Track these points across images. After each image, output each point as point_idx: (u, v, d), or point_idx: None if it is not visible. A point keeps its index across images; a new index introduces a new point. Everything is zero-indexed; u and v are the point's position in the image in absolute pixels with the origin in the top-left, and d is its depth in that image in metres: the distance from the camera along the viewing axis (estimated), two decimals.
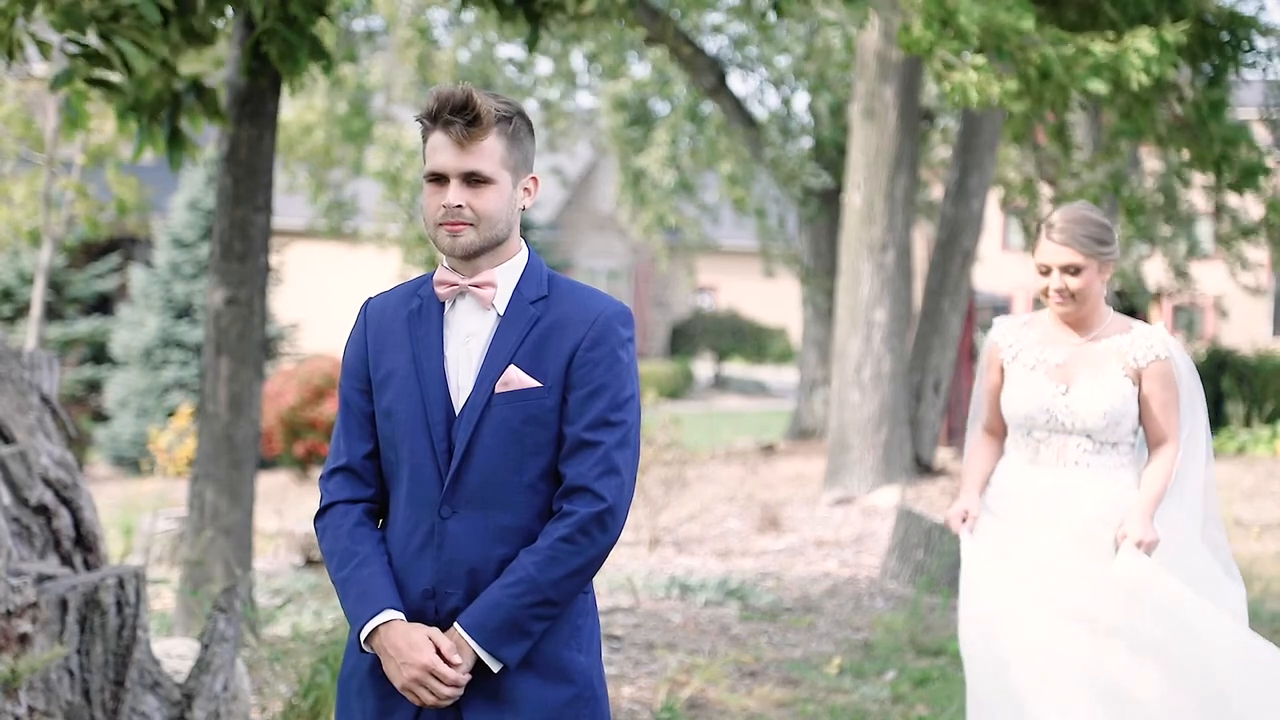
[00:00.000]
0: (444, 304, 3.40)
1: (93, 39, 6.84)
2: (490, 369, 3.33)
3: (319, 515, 3.44)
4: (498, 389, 3.31)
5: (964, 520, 5.07)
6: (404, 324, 3.40)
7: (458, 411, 3.33)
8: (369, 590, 3.30)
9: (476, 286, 3.36)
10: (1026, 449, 5.02)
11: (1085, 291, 4.88)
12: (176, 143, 7.72)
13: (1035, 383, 4.96)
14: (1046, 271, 4.89)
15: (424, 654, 3.24)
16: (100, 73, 7.09)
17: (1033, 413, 4.95)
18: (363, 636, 3.30)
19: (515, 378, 3.31)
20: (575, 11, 7.42)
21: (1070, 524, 4.92)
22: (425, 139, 3.36)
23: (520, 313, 3.36)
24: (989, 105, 10.09)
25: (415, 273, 22.69)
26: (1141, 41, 9.80)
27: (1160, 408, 4.92)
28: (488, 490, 3.31)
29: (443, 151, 3.31)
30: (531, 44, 7.94)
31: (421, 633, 3.27)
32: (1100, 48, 9.77)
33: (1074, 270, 4.85)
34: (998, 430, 5.21)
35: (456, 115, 3.29)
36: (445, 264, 3.42)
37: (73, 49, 7.00)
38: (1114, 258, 4.90)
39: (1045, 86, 9.90)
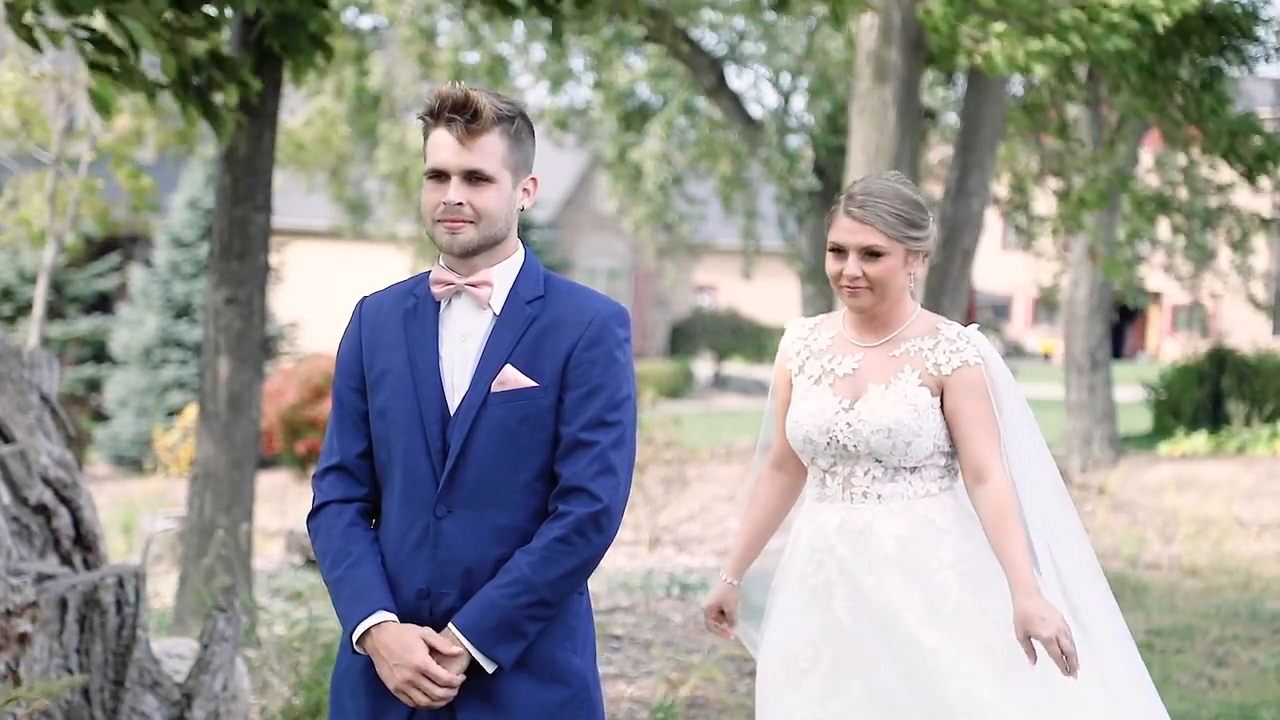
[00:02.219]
0: (439, 303, 3.39)
1: (99, 23, 6.81)
2: (486, 368, 3.32)
3: (312, 514, 3.42)
4: (494, 388, 3.30)
5: (717, 621, 4.10)
6: (399, 323, 3.39)
7: (453, 411, 3.31)
8: (361, 591, 3.29)
9: (473, 285, 3.35)
10: (814, 482, 4.00)
11: (885, 283, 3.87)
12: (213, 115, 7.68)
13: (819, 398, 3.95)
14: (840, 253, 3.90)
15: (416, 655, 3.23)
16: (105, 58, 7.04)
17: (812, 435, 3.93)
18: (355, 637, 3.29)
19: (511, 377, 3.30)
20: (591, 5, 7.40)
21: (862, 618, 3.85)
22: (426, 137, 3.36)
23: (517, 312, 3.35)
24: (1020, 69, 10.08)
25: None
26: None
27: (973, 425, 3.87)
28: (483, 490, 3.30)
29: (443, 149, 3.31)
30: (556, 35, 7.94)
31: (414, 633, 3.26)
32: (1117, 1, 9.73)
33: (873, 254, 3.86)
34: (789, 463, 4.14)
35: (457, 113, 3.29)
36: (442, 263, 3.41)
37: (80, 33, 6.97)
38: (926, 246, 3.92)
39: (1067, 46, 9.85)
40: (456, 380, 3.34)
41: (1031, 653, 3.67)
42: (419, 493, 3.32)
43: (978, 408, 3.88)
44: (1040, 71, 10.13)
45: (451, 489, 3.30)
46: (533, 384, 3.30)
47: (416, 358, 3.35)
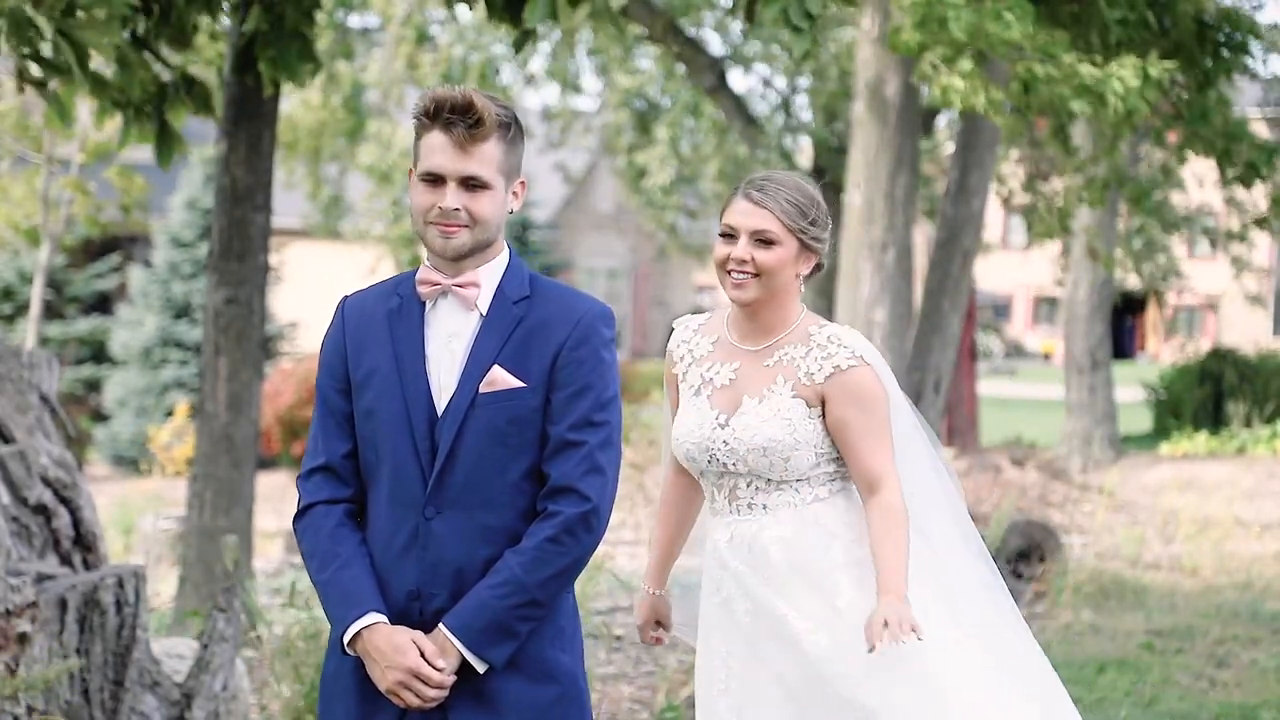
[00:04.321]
0: (424, 303, 3.38)
1: (44, 45, 6.68)
2: (474, 369, 3.32)
3: (299, 516, 3.41)
4: (482, 389, 3.31)
5: (656, 639, 4.04)
6: (384, 323, 3.38)
7: (440, 412, 3.32)
8: (351, 592, 3.29)
9: (460, 287, 3.35)
10: (706, 496, 3.86)
11: (774, 273, 3.68)
12: (165, 139, 7.69)
13: (697, 411, 3.77)
14: (731, 236, 3.71)
15: (408, 657, 3.24)
16: (48, 75, 6.96)
17: (694, 453, 3.77)
18: (346, 639, 3.29)
19: (500, 378, 3.31)
20: (566, 24, 7.33)
21: (761, 629, 3.73)
22: (420, 136, 3.34)
23: (503, 313, 3.35)
24: (974, 112, 10.07)
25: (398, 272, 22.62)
26: (1126, 72, 9.74)
27: (860, 436, 3.67)
28: (472, 491, 3.30)
29: (441, 153, 3.29)
30: (519, 46, 7.85)
31: (405, 635, 3.26)
32: (1087, 70, 9.69)
33: (765, 241, 3.67)
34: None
35: (459, 117, 3.27)
36: (428, 263, 3.40)
37: (25, 50, 6.84)
38: (820, 247, 3.74)
39: (1031, 99, 9.83)
40: (443, 381, 3.33)
41: (872, 640, 3.48)
42: (407, 493, 3.32)
43: (863, 416, 3.68)
44: (999, 120, 10.12)
45: (440, 490, 3.30)
46: (520, 384, 3.31)
47: (403, 358, 3.34)
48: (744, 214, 3.70)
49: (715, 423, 3.74)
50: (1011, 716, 3.65)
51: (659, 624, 4.05)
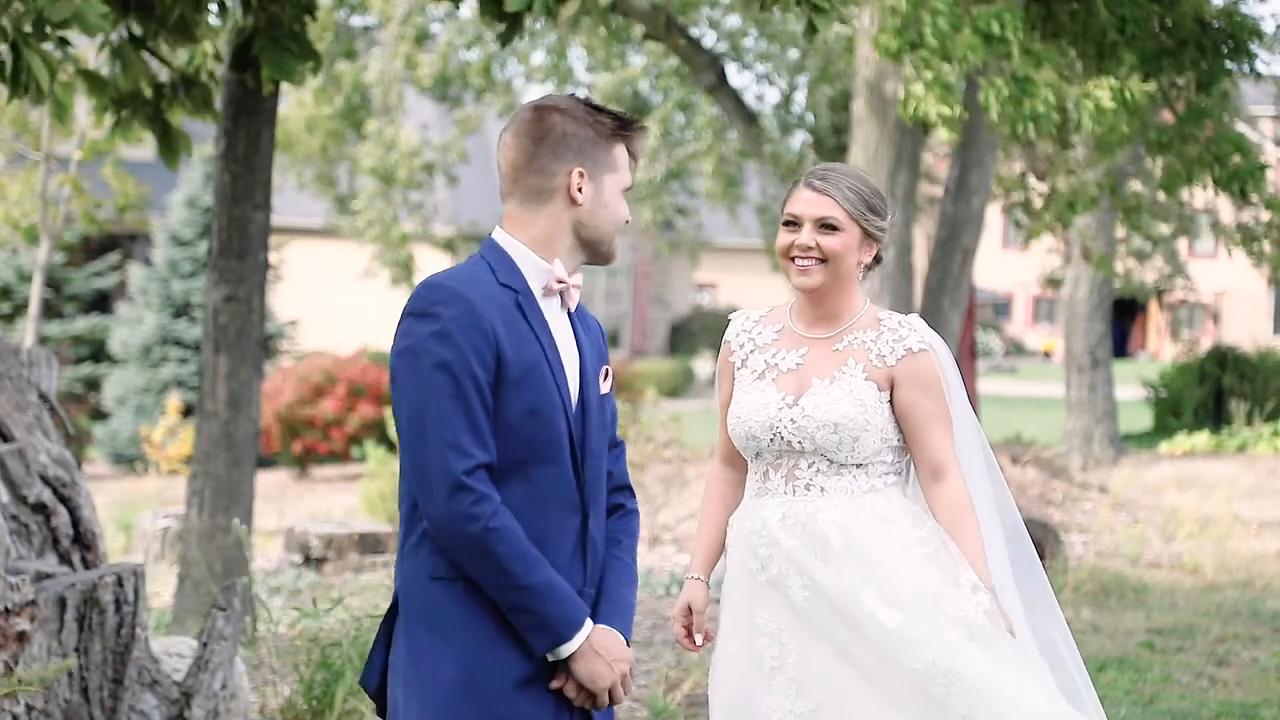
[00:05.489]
0: (536, 298, 3.32)
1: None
2: (590, 367, 3.36)
3: (492, 514, 3.19)
4: (602, 388, 3.38)
5: (690, 635, 3.95)
6: (518, 316, 3.27)
7: (574, 409, 3.32)
8: (569, 596, 3.25)
9: (573, 286, 3.39)
10: (755, 477, 3.89)
11: (839, 259, 3.79)
12: (168, 140, 7.67)
13: (761, 394, 3.84)
14: (794, 225, 3.81)
15: (628, 653, 3.31)
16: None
17: (756, 431, 3.82)
18: (577, 642, 3.24)
19: (610, 378, 3.41)
20: (554, 13, 7.26)
21: (821, 604, 3.75)
22: (614, 144, 3.33)
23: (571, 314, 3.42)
24: (931, 125, 10.05)
25: (385, 273, 22.57)
26: (1102, 93, 9.67)
27: (927, 421, 3.80)
28: (601, 489, 3.38)
29: (631, 170, 3.37)
30: (505, 39, 7.79)
31: (615, 633, 3.32)
32: (1045, 95, 9.54)
33: (830, 227, 3.78)
34: (739, 459, 4.00)
35: (641, 148, 3.39)
36: (542, 258, 3.32)
37: None
38: (881, 235, 3.83)
39: (996, 113, 9.76)
40: (569, 377, 3.35)
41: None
42: (568, 494, 3.30)
43: (931, 402, 3.81)
44: (951, 135, 10.11)
45: (593, 489, 3.35)
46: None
47: (550, 355, 3.30)
48: (808, 202, 3.81)
49: (782, 403, 3.82)
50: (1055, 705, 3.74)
51: (690, 611, 3.95)
